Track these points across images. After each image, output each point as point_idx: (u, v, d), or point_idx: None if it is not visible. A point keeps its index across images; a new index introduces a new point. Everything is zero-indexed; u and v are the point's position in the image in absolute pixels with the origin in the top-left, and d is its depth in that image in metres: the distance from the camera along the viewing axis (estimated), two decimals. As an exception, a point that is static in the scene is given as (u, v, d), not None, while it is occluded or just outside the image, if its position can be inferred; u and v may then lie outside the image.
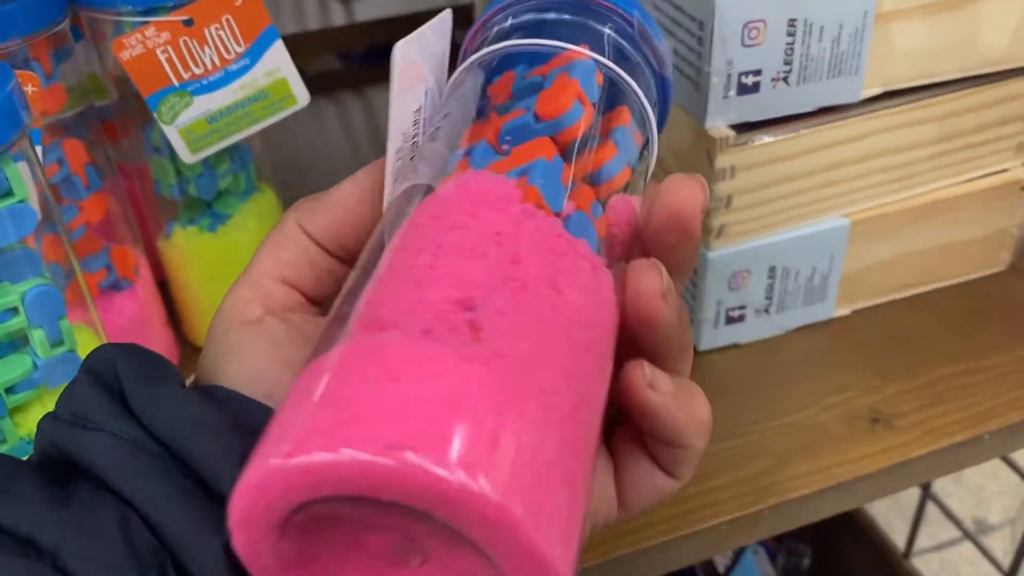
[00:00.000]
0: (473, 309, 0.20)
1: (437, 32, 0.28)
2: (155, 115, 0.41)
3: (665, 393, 0.24)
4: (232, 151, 0.46)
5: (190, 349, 0.51)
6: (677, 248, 0.25)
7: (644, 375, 0.24)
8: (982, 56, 0.45)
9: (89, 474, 0.22)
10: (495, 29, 0.29)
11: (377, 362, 0.19)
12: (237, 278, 0.28)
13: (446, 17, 0.28)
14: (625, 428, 0.27)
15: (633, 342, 0.24)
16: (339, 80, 0.86)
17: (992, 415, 0.44)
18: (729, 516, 0.40)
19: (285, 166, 0.56)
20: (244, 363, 0.25)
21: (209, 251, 0.47)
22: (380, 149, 0.30)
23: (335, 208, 0.27)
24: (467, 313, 0.20)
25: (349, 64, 0.87)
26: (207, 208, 0.47)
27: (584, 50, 0.27)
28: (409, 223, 0.23)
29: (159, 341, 0.48)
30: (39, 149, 0.39)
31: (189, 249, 0.47)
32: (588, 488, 0.21)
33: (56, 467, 0.23)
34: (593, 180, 0.25)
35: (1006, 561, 0.83)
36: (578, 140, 0.25)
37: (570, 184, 0.24)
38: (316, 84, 0.49)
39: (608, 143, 0.26)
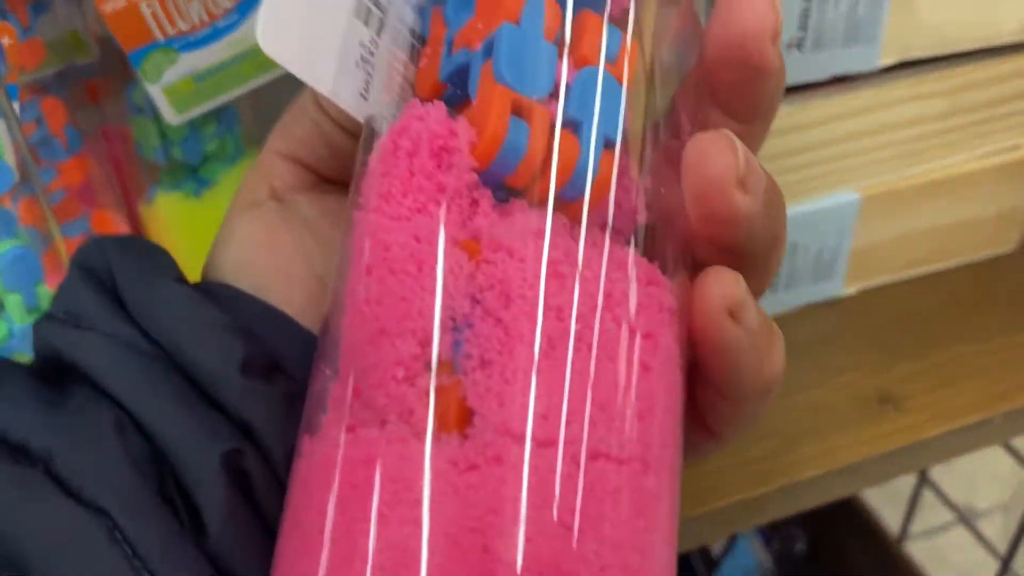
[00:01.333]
0: (438, 362, 0.16)
1: None
2: (138, 73, 0.39)
3: (746, 329, 0.18)
4: (219, 113, 0.44)
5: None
6: (742, 88, 0.19)
7: (731, 294, 0.18)
8: (1001, 27, 0.44)
9: (84, 376, 0.21)
10: None
11: (353, 487, 0.15)
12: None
13: None
14: None
15: (708, 252, 0.19)
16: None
17: (1002, 397, 0.43)
18: (735, 498, 0.39)
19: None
20: (235, 251, 0.24)
21: (194, 218, 0.45)
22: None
23: None
24: (426, 375, 0.16)
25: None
26: (192, 173, 0.45)
27: None
28: (355, 210, 0.18)
29: (141, 312, 0.46)
30: (16, 105, 0.37)
31: (173, 215, 0.45)
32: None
33: (52, 369, 0.21)
34: None
35: (998, 547, 0.82)
36: None
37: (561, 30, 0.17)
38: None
39: None
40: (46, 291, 0.32)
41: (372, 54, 0.21)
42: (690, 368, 0.19)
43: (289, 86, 0.45)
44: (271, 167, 0.25)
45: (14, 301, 0.31)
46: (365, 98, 0.21)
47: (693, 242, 0.19)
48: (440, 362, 0.16)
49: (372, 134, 0.19)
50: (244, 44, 0.41)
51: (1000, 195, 0.48)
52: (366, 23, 0.21)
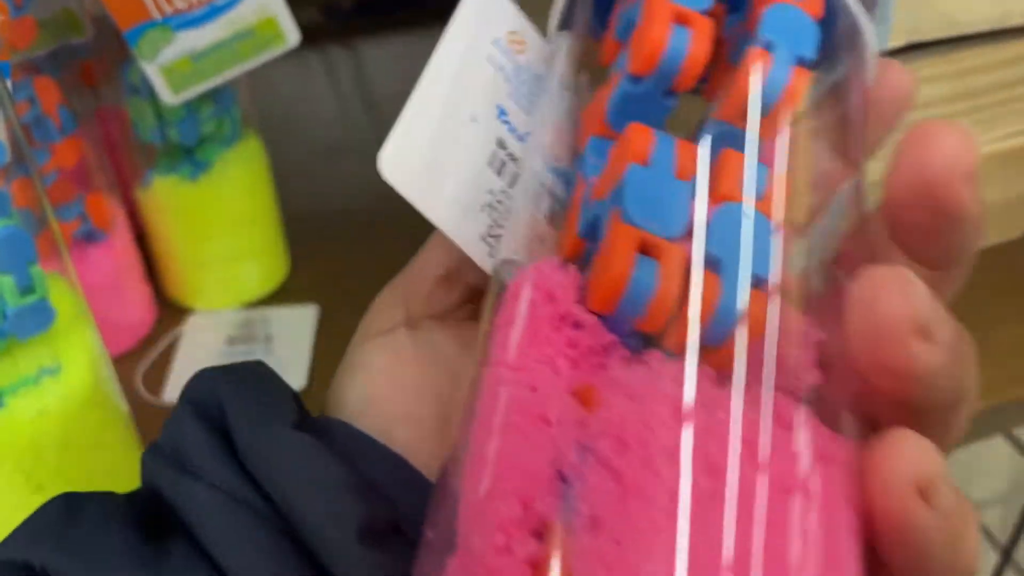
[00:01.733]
0: (541, 529, 0.13)
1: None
2: (134, 51, 0.38)
3: (939, 512, 0.15)
4: (215, 94, 0.43)
5: (168, 306, 0.48)
6: (931, 233, 0.17)
7: (923, 468, 0.15)
8: (1011, 9, 0.43)
9: (186, 526, 0.19)
10: None
11: None
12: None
13: None
14: None
15: (891, 405, 0.16)
16: (328, 32, 0.83)
17: (1007, 386, 0.43)
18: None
19: (270, 119, 0.53)
20: (362, 386, 0.22)
21: (190, 201, 0.44)
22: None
23: None
24: (535, 541, 0.13)
25: (332, 19, 0.84)
26: (188, 155, 0.44)
27: None
28: (479, 365, 0.17)
29: (136, 298, 0.46)
30: (8, 84, 0.37)
31: (169, 199, 0.44)
32: None
33: (155, 506, 0.20)
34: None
35: (998, 537, 0.82)
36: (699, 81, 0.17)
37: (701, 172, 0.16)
38: (305, 36, 0.46)
39: (754, 50, 0.17)
40: (40, 272, 0.32)
41: (500, 203, 0.21)
42: (868, 547, 0.16)
43: (288, 68, 0.45)
44: (416, 286, 0.23)
45: (7, 283, 0.31)
46: (488, 244, 0.20)
47: (862, 393, 0.16)
48: (545, 524, 0.13)
49: (499, 287, 0.18)
50: (241, 23, 0.40)
51: (1008, 181, 0.48)
52: (499, 173, 0.21)
